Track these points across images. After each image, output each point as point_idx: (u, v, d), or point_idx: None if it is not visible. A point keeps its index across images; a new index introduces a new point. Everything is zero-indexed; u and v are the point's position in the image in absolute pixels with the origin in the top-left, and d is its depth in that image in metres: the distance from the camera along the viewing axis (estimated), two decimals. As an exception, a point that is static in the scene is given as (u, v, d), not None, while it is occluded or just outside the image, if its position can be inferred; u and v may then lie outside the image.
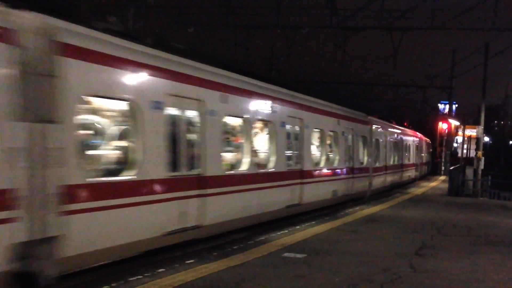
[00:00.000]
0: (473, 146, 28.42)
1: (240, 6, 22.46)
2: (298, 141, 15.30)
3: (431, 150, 50.08)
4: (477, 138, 27.22)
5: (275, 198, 13.66)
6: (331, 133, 18.12)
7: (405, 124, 38.28)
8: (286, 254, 9.21)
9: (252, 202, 12.44)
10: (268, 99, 13.55)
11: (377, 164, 24.34)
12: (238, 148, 12.49)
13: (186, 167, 9.98)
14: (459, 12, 21.32)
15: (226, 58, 19.89)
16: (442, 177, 41.20)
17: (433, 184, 34.26)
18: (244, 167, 12.29)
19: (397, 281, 7.71)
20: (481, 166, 25.93)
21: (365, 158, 22.21)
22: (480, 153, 26.09)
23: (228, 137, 12.20)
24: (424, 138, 44.86)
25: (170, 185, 9.42)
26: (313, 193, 15.88)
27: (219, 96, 11.09)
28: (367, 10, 22.09)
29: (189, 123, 10.29)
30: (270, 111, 13.60)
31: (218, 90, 11.11)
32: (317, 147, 17.14)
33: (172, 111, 9.57)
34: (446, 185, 28.58)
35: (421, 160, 40.93)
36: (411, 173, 34.62)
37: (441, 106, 61.77)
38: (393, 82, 40.19)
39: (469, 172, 26.17)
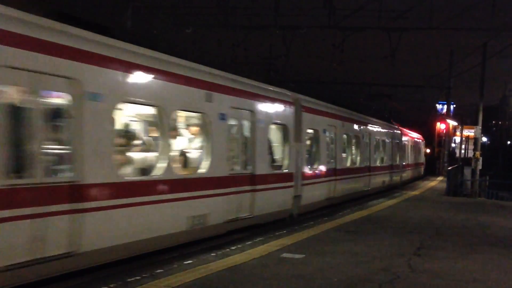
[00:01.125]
0: (471, 147, 28.41)
1: (238, 7, 22.48)
2: (66, 129, 7.65)
3: (426, 149, 49.25)
4: (475, 138, 27.24)
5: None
6: (190, 116, 11.13)
7: (396, 123, 36.44)
8: (285, 255, 9.23)
9: None
10: None
11: (316, 167, 17.13)
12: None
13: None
14: (457, 12, 21.40)
15: (226, 59, 19.86)
16: (440, 178, 41.25)
17: (431, 184, 34.33)
18: None
19: (395, 281, 7.73)
20: (479, 166, 25.96)
21: (286, 159, 14.63)
22: (478, 153, 26.11)
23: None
24: (415, 135, 41.69)
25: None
26: (121, 227, 8.49)
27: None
28: (365, 10, 22.14)
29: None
30: None
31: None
32: (146, 140, 9.95)
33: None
34: (444, 185, 28.63)
35: (409, 161, 35.54)
36: (387, 178, 27.94)
37: (439, 106, 61.84)
38: (391, 82, 40.12)
39: (467, 172, 26.18)
